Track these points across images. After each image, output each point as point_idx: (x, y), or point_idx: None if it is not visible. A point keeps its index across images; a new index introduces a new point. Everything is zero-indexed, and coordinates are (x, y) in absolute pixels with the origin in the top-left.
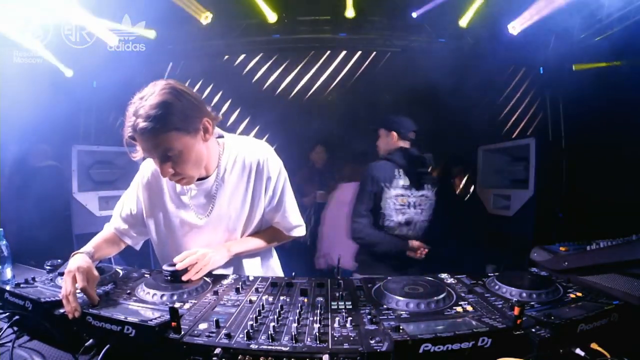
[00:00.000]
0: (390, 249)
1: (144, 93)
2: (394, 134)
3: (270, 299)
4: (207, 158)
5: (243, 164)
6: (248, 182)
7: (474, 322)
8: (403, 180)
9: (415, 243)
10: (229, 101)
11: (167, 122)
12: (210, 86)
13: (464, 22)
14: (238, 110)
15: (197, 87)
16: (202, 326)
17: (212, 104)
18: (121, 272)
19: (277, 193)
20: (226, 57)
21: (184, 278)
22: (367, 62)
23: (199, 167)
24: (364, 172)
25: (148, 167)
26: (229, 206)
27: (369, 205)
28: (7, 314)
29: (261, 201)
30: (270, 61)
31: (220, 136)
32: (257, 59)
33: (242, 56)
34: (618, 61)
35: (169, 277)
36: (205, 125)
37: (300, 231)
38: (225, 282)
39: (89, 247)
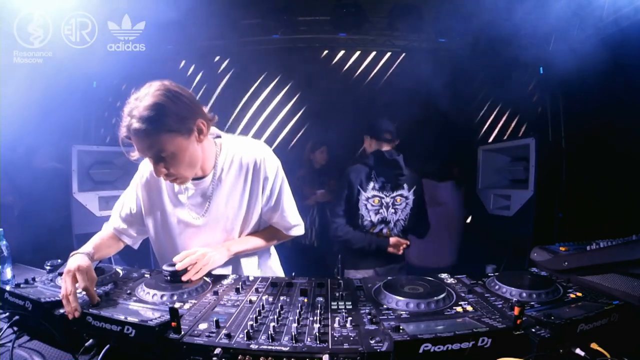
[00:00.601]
0: (369, 246)
1: (139, 94)
2: (373, 139)
3: (270, 299)
4: (202, 158)
5: (240, 163)
6: (245, 181)
7: (474, 322)
8: (376, 182)
9: (393, 239)
10: (228, 101)
11: (160, 124)
12: (211, 86)
13: (464, 22)
14: (237, 110)
15: (195, 86)
16: (202, 326)
17: (210, 105)
18: (121, 272)
19: (274, 193)
20: (226, 56)
21: (184, 278)
22: (366, 63)
23: (193, 167)
24: (342, 176)
25: (147, 166)
26: (226, 206)
27: (344, 206)
28: (7, 314)
29: (258, 201)
30: (269, 60)
31: (218, 136)
32: (257, 58)
33: (242, 56)
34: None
35: (168, 277)
36: (200, 126)
37: (298, 230)
38: (225, 282)
39: (88, 247)
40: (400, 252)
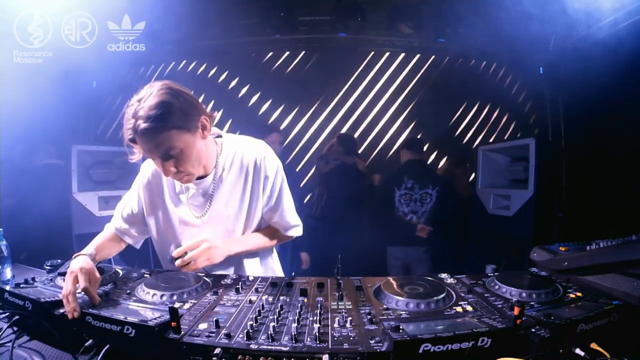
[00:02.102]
0: (402, 230)
1: (141, 95)
2: (407, 151)
3: (270, 299)
4: (205, 156)
5: (241, 163)
6: (246, 181)
7: (474, 322)
8: (407, 183)
9: (419, 226)
10: (228, 101)
11: (167, 121)
12: (211, 85)
13: (464, 22)
14: (238, 110)
15: (195, 87)
16: (202, 326)
17: (211, 105)
18: (121, 272)
19: (274, 192)
20: (226, 56)
21: (183, 269)
22: (365, 63)
23: (200, 164)
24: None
25: (148, 167)
26: (227, 205)
27: (384, 201)
28: (7, 314)
29: (259, 200)
30: (269, 60)
31: (219, 136)
32: (257, 58)
33: (242, 55)
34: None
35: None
36: (203, 122)
37: (297, 231)
38: (225, 282)
39: (90, 248)
40: (425, 235)
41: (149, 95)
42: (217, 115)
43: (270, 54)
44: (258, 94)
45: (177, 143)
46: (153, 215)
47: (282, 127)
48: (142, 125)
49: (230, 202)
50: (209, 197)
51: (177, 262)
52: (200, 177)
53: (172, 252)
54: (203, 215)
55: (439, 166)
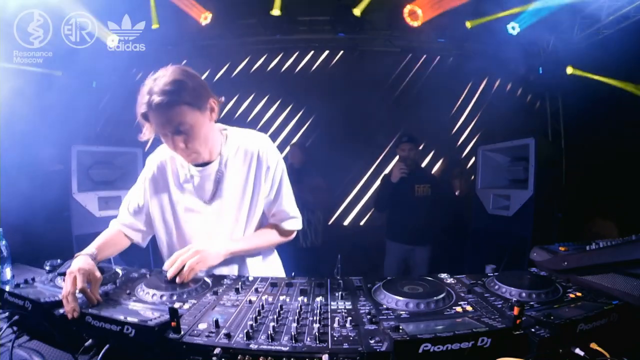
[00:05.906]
0: None
1: (157, 75)
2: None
3: (270, 299)
4: (212, 140)
5: (245, 152)
6: (249, 170)
7: (474, 322)
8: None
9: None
10: (232, 101)
11: (180, 96)
12: (211, 86)
13: (464, 22)
14: (240, 111)
15: None
16: (202, 326)
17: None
18: (121, 272)
19: (275, 183)
20: (226, 56)
21: (178, 281)
22: (366, 63)
23: (207, 145)
24: None
25: (154, 161)
26: (232, 192)
27: None
28: (7, 313)
29: (262, 189)
30: (269, 60)
31: (224, 129)
32: (257, 58)
33: (241, 56)
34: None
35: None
36: (212, 104)
37: (296, 223)
38: (225, 282)
39: (91, 248)
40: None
41: (163, 75)
42: (223, 99)
43: (269, 54)
44: (258, 95)
45: (188, 119)
46: (158, 205)
47: (281, 127)
48: (157, 99)
49: (234, 189)
50: (214, 185)
51: (170, 272)
52: (205, 165)
53: (165, 270)
54: (208, 203)
55: (436, 165)
